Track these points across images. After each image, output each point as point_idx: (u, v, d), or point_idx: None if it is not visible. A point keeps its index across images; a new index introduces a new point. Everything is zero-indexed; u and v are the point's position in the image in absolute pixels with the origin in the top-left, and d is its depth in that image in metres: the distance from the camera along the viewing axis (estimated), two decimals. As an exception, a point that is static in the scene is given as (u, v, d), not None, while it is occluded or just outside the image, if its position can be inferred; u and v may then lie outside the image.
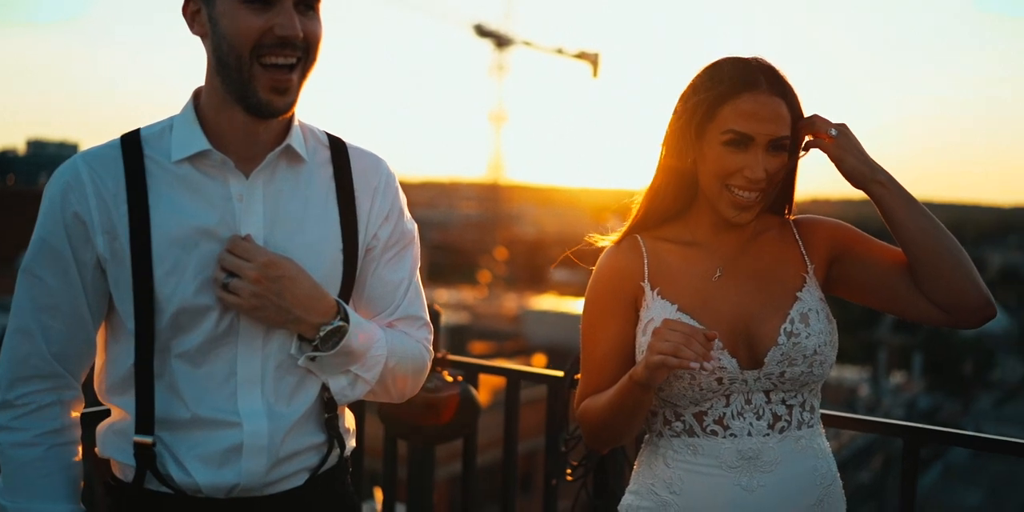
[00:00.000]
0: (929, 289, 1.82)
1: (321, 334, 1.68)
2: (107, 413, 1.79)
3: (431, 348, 1.87)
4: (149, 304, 1.64)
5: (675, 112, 1.89)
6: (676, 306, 1.86)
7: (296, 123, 1.74)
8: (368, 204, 1.79)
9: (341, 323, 1.69)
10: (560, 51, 74.57)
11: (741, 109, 1.78)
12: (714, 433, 1.84)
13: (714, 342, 1.73)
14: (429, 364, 1.87)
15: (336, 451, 1.81)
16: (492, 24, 73.44)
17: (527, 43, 75.45)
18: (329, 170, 1.78)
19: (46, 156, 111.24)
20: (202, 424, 1.68)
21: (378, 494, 3.71)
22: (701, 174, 1.86)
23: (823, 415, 2.51)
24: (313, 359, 1.70)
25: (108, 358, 1.74)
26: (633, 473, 2.00)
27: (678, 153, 1.88)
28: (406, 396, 1.86)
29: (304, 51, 1.62)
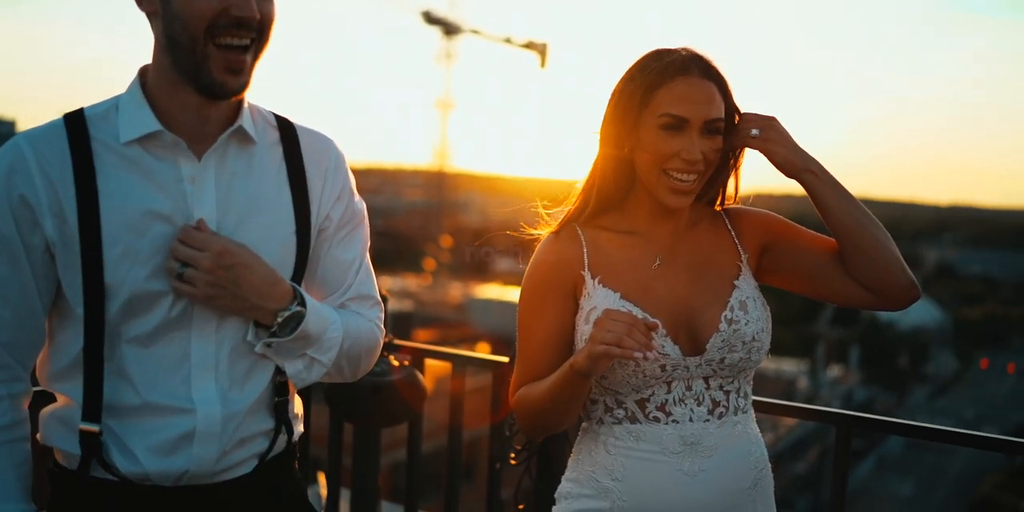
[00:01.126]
0: (858, 272, 1.90)
1: (279, 320, 1.66)
2: (47, 396, 1.75)
3: (383, 326, 1.87)
4: (99, 289, 1.60)
5: (610, 103, 1.93)
6: (619, 294, 1.89)
7: (246, 104, 1.71)
8: (320, 184, 1.77)
9: (298, 308, 1.67)
10: (508, 40, 74.39)
11: (675, 93, 1.83)
12: (656, 419, 1.87)
13: (656, 331, 1.76)
14: (382, 342, 1.87)
15: (284, 436, 1.79)
16: (440, 11, 73.00)
17: (475, 31, 75.12)
18: (279, 151, 1.75)
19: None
20: (153, 410, 1.64)
21: (322, 479, 3.70)
22: (639, 161, 1.89)
23: (761, 403, 2.63)
24: (270, 345, 1.68)
25: (53, 344, 1.69)
26: (570, 460, 2.01)
27: (615, 142, 1.91)
28: (359, 374, 1.85)
29: (258, 32, 1.59)
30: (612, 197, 1.96)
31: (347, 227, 1.82)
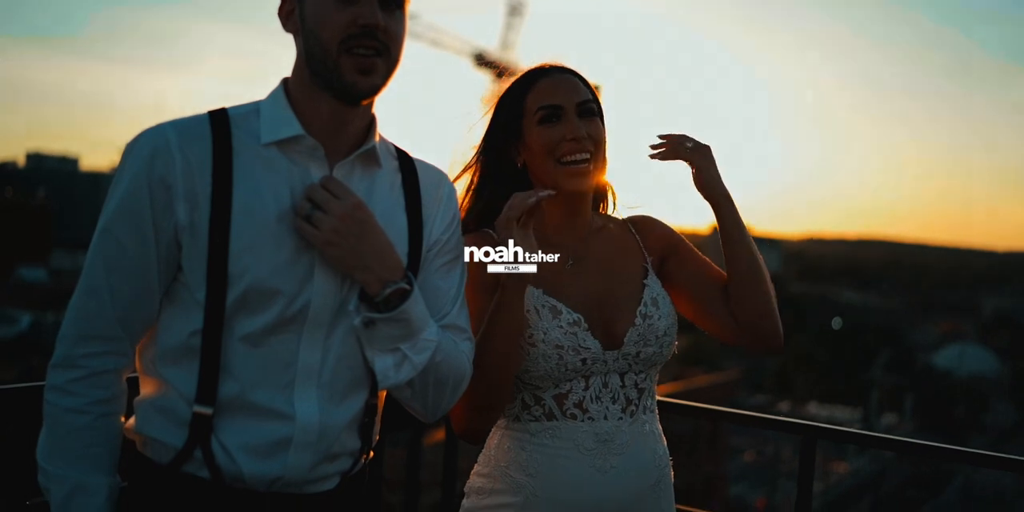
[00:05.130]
0: (737, 304, 2.02)
1: (386, 292, 1.67)
2: (135, 385, 1.74)
3: (472, 367, 1.85)
4: (223, 277, 1.63)
5: (488, 129, 2.07)
6: (541, 290, 1.97)
7: (377, 129, 1.78)
8: (433, 212, 1.83)
9: (406, 285, 1.69)
10: (562, 83, 74.50)
11: (541, 91, 2.00)
12: (573, 416, 1.95)
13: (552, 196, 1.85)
14: (467, 381, 1.84)
15: (363, 458, 1.81)
16: (491, 54, 73.70)
17: (529, 74, 75.53)
18: (398, 178, 1.81)
19: (45, 169, 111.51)
20: (253, 410, 1.65)
21: None
22: (534, 166, 2.01)
23: (731, 414, 2.99)
24: (370, 324, 1.69)
25: (161, 326, 1.70)
26: (481, 456, 2.06)
27: (504, 158, 2.04)
28: (441, 408, 1.82)
29: (384, 44, 1.66)
30: None
31: (449, 255, 1.85)
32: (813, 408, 50.74)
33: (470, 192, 2.10)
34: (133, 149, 1.66)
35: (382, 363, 1.71)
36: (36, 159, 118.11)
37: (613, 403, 1.97)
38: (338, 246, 1.64)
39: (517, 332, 1.89)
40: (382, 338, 1.70)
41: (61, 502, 1.65)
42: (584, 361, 1.94)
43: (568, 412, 1.95)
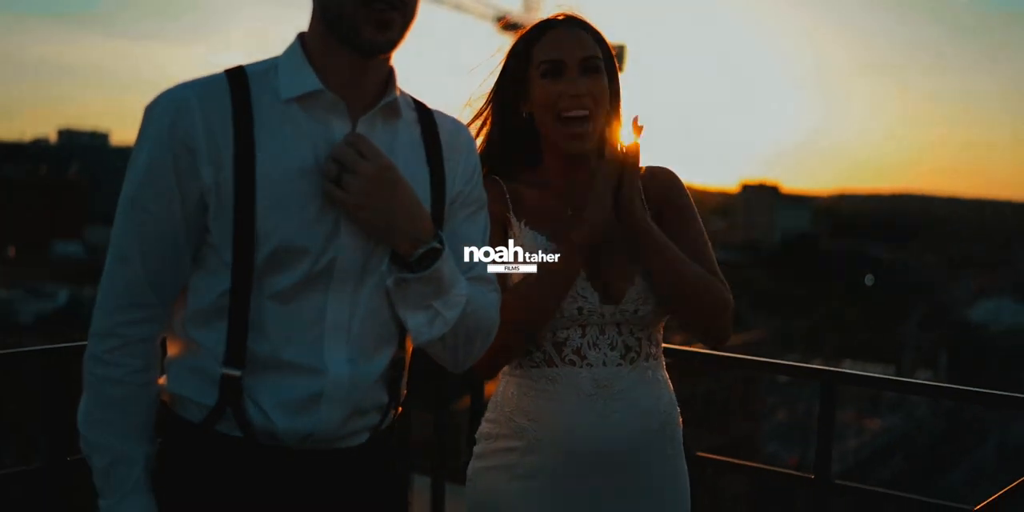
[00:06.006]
0: (675, 312, 2.03)
1: (419, 252, 1.66)
2: (164, 345, 1.76)
3: (498, 317, 1.85)
4: (250, 237, 1.62)
5: (498, 77, 2.10)
6: (544, 237, 2.00)
7: (397, 81, 1.76)
8: (454, 162, 1.81)
9: (438, 245, 1.68)
10: (587, 44, 73.79)
11: (547, 44, 2.02)
12: (572, 363, 2.00)
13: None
14: (495, 331, 1.84)
15: (392, 412, 1.81)
16: (514, 17, 73.05)
17: (553, 36, 74.78)
18: (418, 130, 1.79)
19: (77, 146, 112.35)
20: (284, 367, 1.66)
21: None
22: (538, 117, 2.03)
23: (749, 361, 3.06)
24: (403, 283, 1.69)
25: (191, 288, 1.70)
26: (490, 403, 2.12)
27: (512, 108, 2.07)
28: (470, 359, 1.83)
29: (401, 0, 1.64)
30: (523, 160, 2.10)
31: (472, 206, 1.83)
32: (846, 366, 50.59)
33: (479, 139, 2.11)
34: (153, 112, 1.65)
35: (415, 320, 1.72)
36: (68, 135, 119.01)
37: (612, 350, 1.99)
38: (369, 209, 1.63)
39: (556, 305, 1.94)
40: (414, 296, 1.70)
41: (102, 471, 1.68)
42: (580, 310, 1.97)
43: (567, 358, 1.99)
